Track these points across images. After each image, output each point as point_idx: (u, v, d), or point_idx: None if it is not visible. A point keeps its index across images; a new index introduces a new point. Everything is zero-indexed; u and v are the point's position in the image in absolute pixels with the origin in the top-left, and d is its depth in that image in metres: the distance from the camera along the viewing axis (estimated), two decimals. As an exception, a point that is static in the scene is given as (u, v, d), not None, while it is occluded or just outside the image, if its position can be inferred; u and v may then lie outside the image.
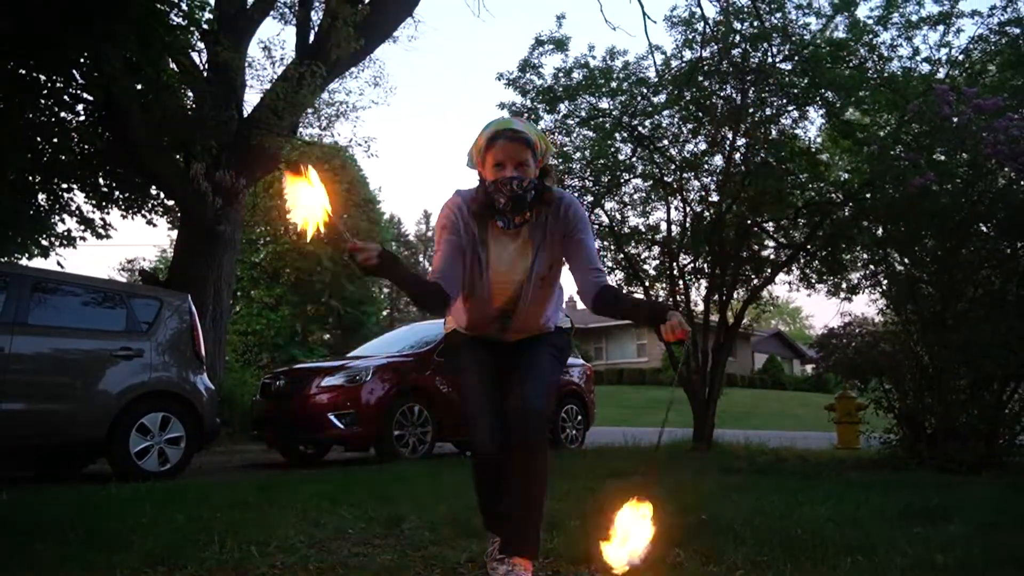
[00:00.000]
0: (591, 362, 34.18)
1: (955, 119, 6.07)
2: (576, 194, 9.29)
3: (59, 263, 12.14)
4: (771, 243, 9.30)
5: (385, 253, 2.07)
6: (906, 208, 6.27)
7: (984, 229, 6.61)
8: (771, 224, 9.02)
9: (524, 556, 2.29)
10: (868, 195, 7.58)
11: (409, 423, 7.60)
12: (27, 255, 13.58)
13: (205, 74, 10.30)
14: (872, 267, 7.90)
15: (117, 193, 12.43)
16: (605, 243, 9.79)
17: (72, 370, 5.74)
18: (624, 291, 8.71)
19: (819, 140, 9.33)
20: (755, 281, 9.47)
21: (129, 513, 3.43)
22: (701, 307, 9.62)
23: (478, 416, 2.37)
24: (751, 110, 8.63)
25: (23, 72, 8.61)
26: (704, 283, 9.44)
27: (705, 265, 9.29)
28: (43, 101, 9.74)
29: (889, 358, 6.83)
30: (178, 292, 7.08)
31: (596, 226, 9.59)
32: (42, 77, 9.08)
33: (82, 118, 10.65)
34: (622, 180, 9.16)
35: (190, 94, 10.90)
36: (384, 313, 49.19)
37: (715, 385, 8.45)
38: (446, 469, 5.39)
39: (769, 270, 9.13)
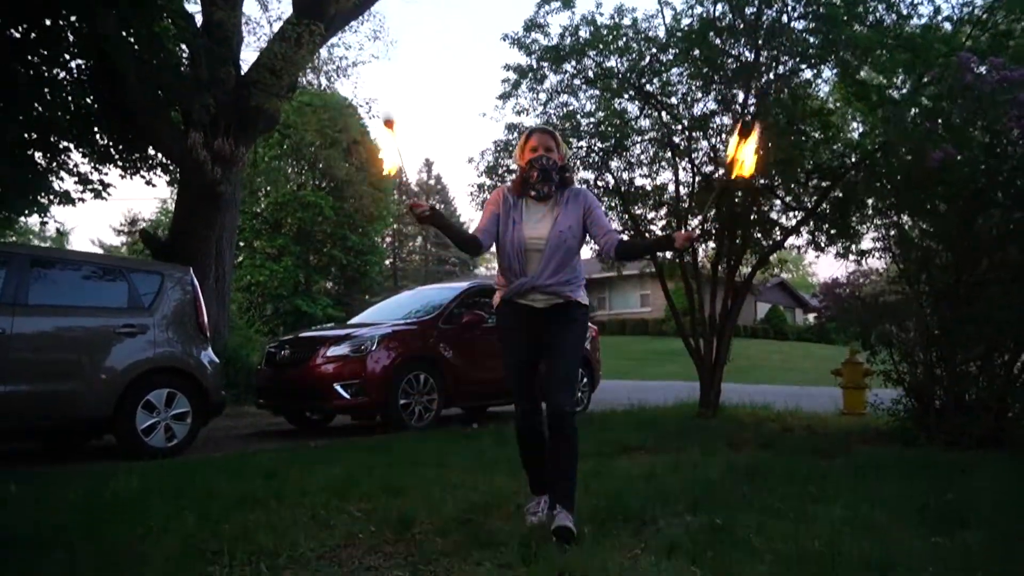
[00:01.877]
0: (593, 312, 34.28)
1: (976, 88, 5.85)
2: (582, 154, 9.13)
3: (58, 229, 12.02)
4: (781, 206, 9.12)
5: (434, 209, 2.97)
6: (923, 178, 6.10)
7: (1001, 198, 6.45)
8: (781, 188, 8.83)
9: (564, 508, 3.03)
10: (881, 157, 7.40)
11: (415, 391, 7.59)
12: (26, 213, 13.45)
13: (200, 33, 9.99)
14: (884, 231, 7.77)
15: (115, 152, 12.23)
16: (612, 204, 9.64)
17: (75, 349, 5.69)
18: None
19: (833, 100, 9.07)
20: (764, 243, 9.34)
21: (137, 515, 3.39)
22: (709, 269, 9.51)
23: (517, 399, 3.29)
24: (763, 69, 8.37)
25: (15, 32, 8.36)
26: (712, 245, 9.31)
27: (713, 228, 9.15)
28: (35, 59, 9.48)
29: (893, 309, 6.78)
30: (179, 265, 6.98)
31: (602, 186, 9.44)
32: (33, 35, 8.83)
33: (75, 76, 10.40)
34: (629, 142, 8.93)
35: (185, 51, 10.61)
36: (387, 262, 49.13)
37: (722, 351, 8.40)
38: (452, 452, 5.36)
39: (778, 234, 8.98)
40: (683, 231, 2.82)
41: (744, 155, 2.98)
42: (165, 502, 3.77)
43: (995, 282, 6.50)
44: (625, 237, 3.40)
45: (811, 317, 38.16)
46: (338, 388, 7.22)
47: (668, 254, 9.30)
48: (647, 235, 9.40)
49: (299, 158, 31.65)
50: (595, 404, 10.28)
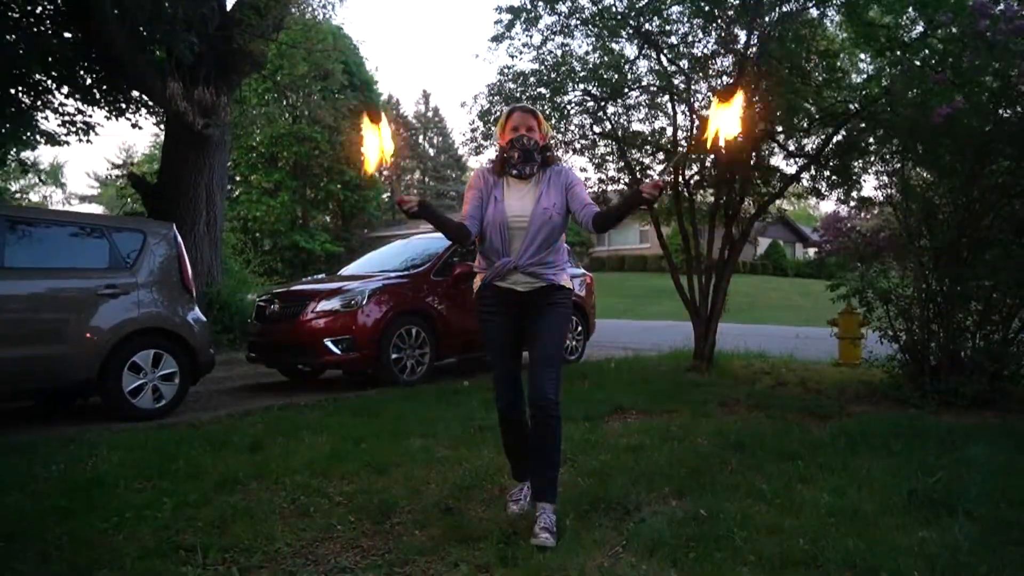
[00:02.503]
0: (593, 248, 34.11)
1: (989, 34, 5.58)
2: (578, 100, 8.86)
3: (52, 164, 11.75)
4: (782, 153, 8.88)
5: (423, 202, 2.91)
6: (929, 133, 5.89)
7: (1009, 150, 6.24)
8: (782, 134, 8.57)
9: (546, 501, 3.01)
10: (887, 105, 7.14)
11: (407, 345, 7.53)
12: (11, 150, 13.19)
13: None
14: (887, 178, 7.58)
15: (99, 92, 11.88)
16: (608, 148, 9.40)
17: (56, 312, 5.58)
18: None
19: (839, 42, 8.72)
20: (764, 189, 9.14)
21: (114, 499, 3.34)
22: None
23: (499, 386, 3.20)
24: (767, 7, 8.00)
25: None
26: (710, 192, 9.10)
27: (713, 171, 8.93)
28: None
29: (891, 242, 6.69)
30: (162, 222, 6.81)
31: (599, 130, 9.18)
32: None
33: (52, 10, 10.00)
34: (627, 86, 8.62)
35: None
36: (385, 196, 48.63)
37: (717, 304, 8.29)
38: (440, 418, 5.31)
39: (779, 182, 8.77)
40: (648, 180, 2.73)
41: (723, 122, 2.80)
42: (144, 483, 3.73)
43: (998, 239, 6.36)
44: (613, 189, 3.28)
45: (811, 251, 38.10)
46: (328, 344, 7.15)
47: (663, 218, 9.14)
48: (645, 181, 9.20)
49: (294, 90, 30.90)
50: (591, 348, 10.28)
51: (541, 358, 3.07)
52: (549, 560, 2.65)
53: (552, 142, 3.29)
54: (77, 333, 5.60)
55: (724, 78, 8.61)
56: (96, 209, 49.03)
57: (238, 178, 39.02)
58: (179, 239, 6.43)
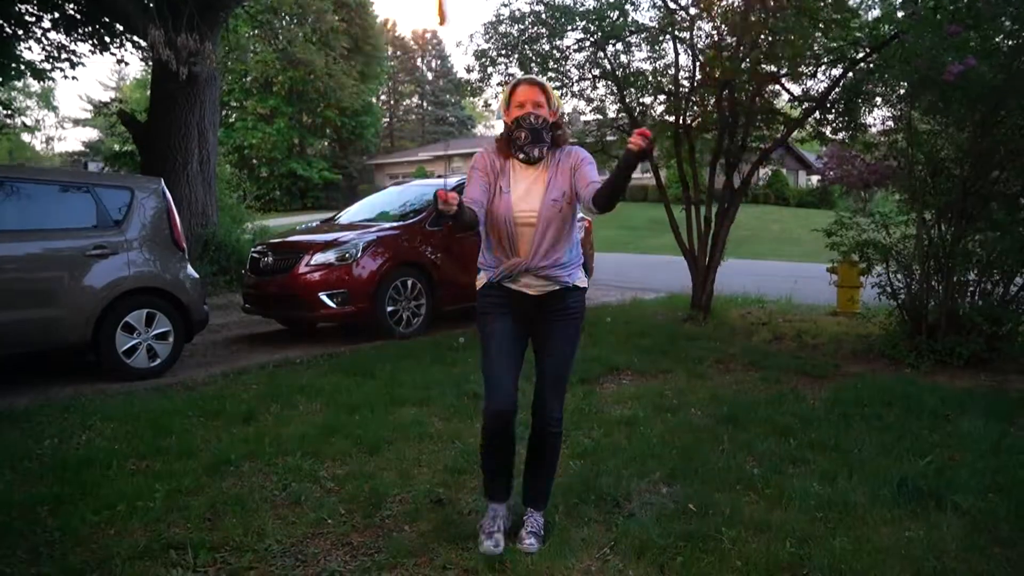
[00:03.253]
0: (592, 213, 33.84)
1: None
2: (577, 39, 8.56)
3: (42, 86, 11.48)
4: (786, 96, 8.63)
5: (461, 203, 2.53)
6: (939, 87, 5.68)
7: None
8: (787, 77, 8.29)
9: (537, 509, 2.96)
10: (896, 50, 6.87)
11: (402, 297, 7.49)
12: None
13: None
14: (893, 123, 7.38)
15: (84, 27, 11.51)
16: (609, 88, 9.13)
17: (45, 275, 5.51)
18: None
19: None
20: (766, 132, 8.92)
21: (105, 490, 3.35)
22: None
23: (491, 392, 2.79)
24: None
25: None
26: (712, 136, 8.89)
27: (714, 113, 8.70)
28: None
29: (896, 172, 6.59)
30: (150, 177, 6.66)
31: (598, 69, 8.91)
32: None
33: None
34: (627, 27, 8.30)
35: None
36: (384, 122, 47.78)
37: (716, 252, 8.20)
38: (435, 381, 5.30)
39: (782, 126, 8.55)
40: (637, 131, 2.43)
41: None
42: (137, 464, 3.74)
43: (1004, 195, 6.23)
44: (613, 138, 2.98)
45: (815, 179, 37.57)
46: (323, 297, 7.11)
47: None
48: (642, 123, 8.97)
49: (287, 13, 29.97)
50: (589, 288, 10.26)
51: (553, 376, 2.86)
52: (537, 564, 2.66)
53: (565, 118, 2.93)
54: (68, 295, 5.55)
55: (729, 16, 8.29)
56: (91, 134, 48.28)
57: (233, 103, 38.29)
58: (168, 195, 6.30)
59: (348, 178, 42.21)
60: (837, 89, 7.98)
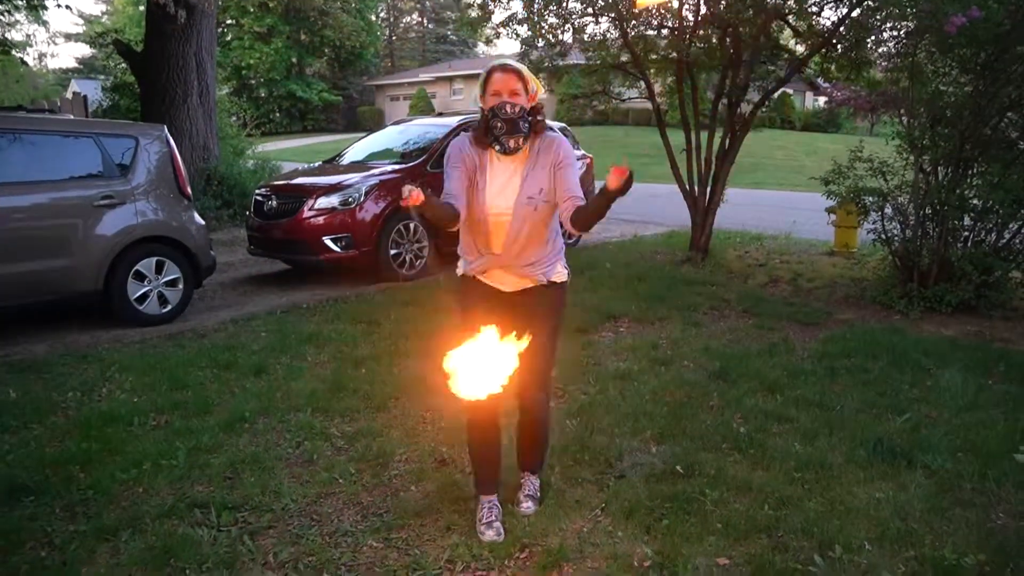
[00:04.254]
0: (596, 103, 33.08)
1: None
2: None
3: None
4: (789, 32, 8.51)
5: (426, 197, 2.38)
6: (939, 37, 5.66)
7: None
8: (793, 14, 8.16)
9: (533, 473, 3.12)
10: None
11: (405, 240, 7.61)
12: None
13: None
14: (897, 60, 7.32)
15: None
16: (612, 21, 8.97)
17: (55, 225, 5.63)
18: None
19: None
20: (770, 68, 8.84)
21: (131, 447, 3.57)
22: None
23: None
24: None
25: None
26: (715, 76, 8.81)
27: (718, 51, 8.60)
28: None
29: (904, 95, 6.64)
30: (154, 124, 6.69)
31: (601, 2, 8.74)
32: None
33: None
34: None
35: None
36: (383, 39, 46.65)
37: (716, 194, 8.27)
38: (438, 323, 5.47)
39: (786, 63, 8.46)
40: (614, 168, 2.30)
41: None
42: (157, 419, 3.96)
43: (1000, 142, 6.27)
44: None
45: (822, 100, 36.94)
46: (327, 241, 7.24)
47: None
48: (646, 63, 8.88)
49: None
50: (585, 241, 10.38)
51: (533, 365, 2.76)
52: (533, 526, 2.89)
53: (542, 104, 2.79)
54: (77, 245, 5.69)
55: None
56: (84, 50, 47.23)
57: (229, 21, 37.41)
58: (171, 142, 6.35)
59: (348, 99, 41.59)
60: (846, 22, 7.86)
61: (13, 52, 15.17)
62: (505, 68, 2.72)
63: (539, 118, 2.79)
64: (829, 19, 8.29)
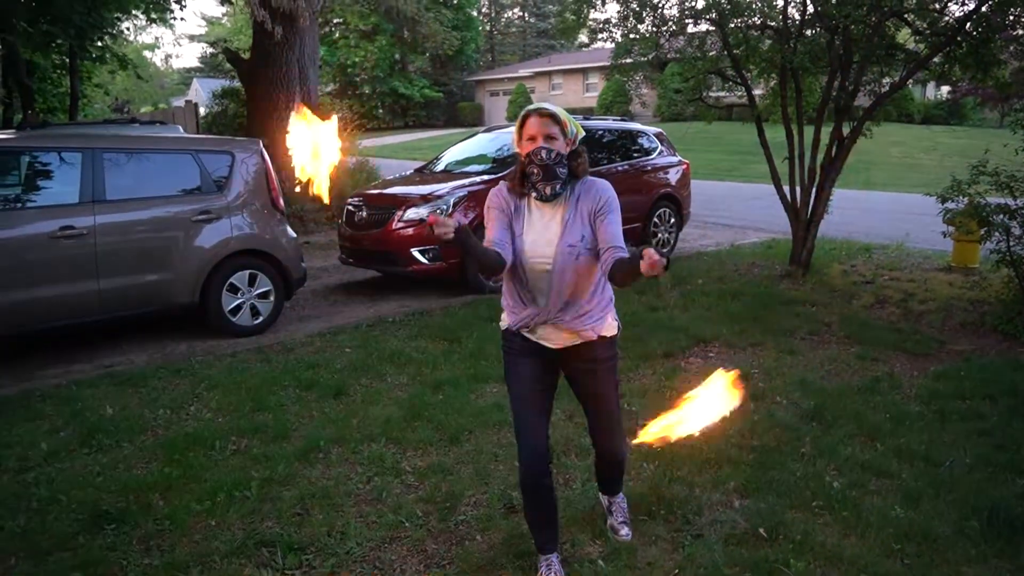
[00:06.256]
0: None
1: None
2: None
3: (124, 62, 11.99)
4: (909, 31, 7.90)
5: (460, 228, 2.35)
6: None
7: None
8: (912, 12, 7.57)
9: (615, 495, 3.19)
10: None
11: (493, 251, 7.54)
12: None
13: None
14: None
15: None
16: (710, 28, 8.59)
17: (157, 240, 5.86)
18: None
19: None
20: (884, 70, 8.26)
21: (208, 475, 3.64)
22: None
23: (521, 442, 2.71)
24: None
25: None
26: (822, 81, 8.30)
27: (828, 51, 8.08)
28: None
29: None
30: (250, 139, 6.86)
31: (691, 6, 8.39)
32: None
33: None
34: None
35: None
36: (483, 34, 46.92)
37: (819, 207, 7.79)
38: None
39: (904, 67, 7.86)
40: (650, 252, 2.12)
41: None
42: (237, 442, 4.04)
43: None
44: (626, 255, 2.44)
45: (945, 90, 34.57)
46: (416, 253, 7.26)
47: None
48: (746, 71, 8.47)
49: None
50: (685, 233, 10.08)
51: (601, 421, 2.85)
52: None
53: (583, 148, 2.67)
54: (179, 259, 5.90)
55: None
56: (206, 49, 49.83)
57: (336, 20, 38.57)
58: (266, 157, 6.50)
59: (448, 95, 42.13)
60: (973, 18, 7.22)
61: (129, 65, 16.13)
62: (541, 112, 2.61)
63: (578, 161, 2.67)
64: (953, 15, 7.55)
